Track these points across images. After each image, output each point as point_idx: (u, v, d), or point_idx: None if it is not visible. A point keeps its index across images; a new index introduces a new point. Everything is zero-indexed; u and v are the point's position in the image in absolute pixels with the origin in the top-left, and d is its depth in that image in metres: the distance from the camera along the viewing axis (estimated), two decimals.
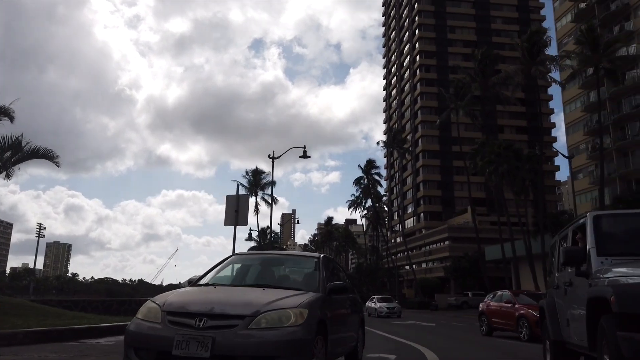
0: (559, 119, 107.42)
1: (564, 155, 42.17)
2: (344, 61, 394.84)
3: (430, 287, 63.48)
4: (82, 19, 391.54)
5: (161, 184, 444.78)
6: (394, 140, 66.21)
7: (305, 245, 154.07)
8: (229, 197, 13.00)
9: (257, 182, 64.15)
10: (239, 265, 6.20)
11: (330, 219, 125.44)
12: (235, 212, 12.65)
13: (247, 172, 64.73)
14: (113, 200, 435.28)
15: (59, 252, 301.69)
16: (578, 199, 56.67)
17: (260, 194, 64.43)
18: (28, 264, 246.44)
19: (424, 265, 75.03)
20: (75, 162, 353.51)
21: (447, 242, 68.38)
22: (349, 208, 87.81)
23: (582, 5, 56.04)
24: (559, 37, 62.49)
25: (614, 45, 32.61)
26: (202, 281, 5.59)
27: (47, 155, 14.27)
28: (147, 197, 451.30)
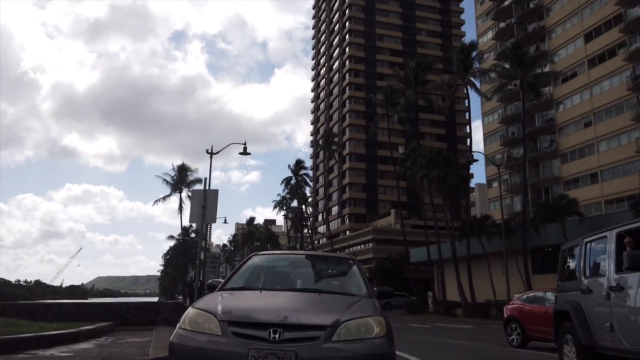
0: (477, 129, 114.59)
1: (476, 153, 44.89)
2: (269, 61, 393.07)
3: None
4: None
5: (65, 177, 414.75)
6: (326, 142, 66.63)
7: (224, 245, 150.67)
8: (194, 192, 12.09)
9: (182, 178, 61.44)
10: (264, 267, 5.55)
11: (252, 219, 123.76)
12: (202, 209, 11.75)
13: (173, 167, 61.74)
14: (8, 194, 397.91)
15: None
16: (492, 205, 60.86)
17: (185, 190, 61.72)
18: None
19: None
20: None
21: (370, 244, 70.07)
22: (275, 208, 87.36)
23: (503, 24, 60.25)
24: (482, 51, 66.65)
25: (539, 62, 35.27)
26: (231, 284, 4.92)
27: None
28: (48, 190, 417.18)
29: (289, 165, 69.35)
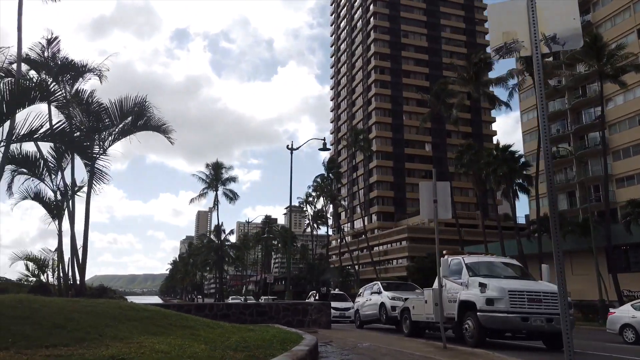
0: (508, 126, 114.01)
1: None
2: (273, 60, 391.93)
3: None
4: None
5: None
6: (356, 139, 65.66)
7: (233, 244, 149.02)
8: (423, 185, 11.12)
9: (217, 176, 60.36)
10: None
11: (268, 217, 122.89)
12: (434, 202, 10.82)
13: (207, 165, 60.62)
14: (5, 193, 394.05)
15: None
16: (534, 203, 60.24)
17: (221, 188, 60.71)
18: None
19: (369, 266, 75.43)
20: None
21: (404, 243, 69.29)
22: (300, 205, 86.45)
23: None
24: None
25: (617, 55, 34.36)
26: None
27: (160, 128, 11.28)
28: (45, 189, 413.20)
29: (323, 162, 68.47)
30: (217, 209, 59.92)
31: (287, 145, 29.15)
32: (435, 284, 11.57)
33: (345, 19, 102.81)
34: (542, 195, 51.29)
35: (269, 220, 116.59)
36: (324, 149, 29.67)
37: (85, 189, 10.72)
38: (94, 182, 9.88)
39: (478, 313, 9.18)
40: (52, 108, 10.16)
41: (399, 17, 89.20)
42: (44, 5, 11.01)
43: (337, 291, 31.81)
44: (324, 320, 16.52)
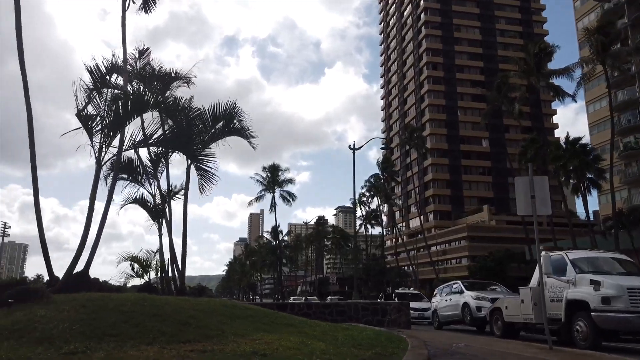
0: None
1: None
2: (321, 61, 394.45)
3: None
4: (46, 9, 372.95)
5: (124, 182, 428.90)
6: (411, 137, 64.62)
7: (287, 244, 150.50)
8: (519, 180, 10.76)
9: (274, 178, 61.26)
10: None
11: (321, 217, 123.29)
12: (532, 198, 10.42)
13: (264, 168, 61.66)
14: (72, 200, 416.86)
15: (14, 252, 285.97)
16: (604, 198, 57.09)
17: (277, 190, 61.58)
18: None
19: (426, 266, 73.96)
20: None
21: (464, 242, 67.53)
22: (354, 206, 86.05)
23: (609, 4, 56.33)
24: (580, 37, 62.72)
25: None
26: None
27: (245, 133, 11.54)
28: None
29: (377, 162, 67.92)
30: (275, 211, 60.84)
31: (349, 145, 29.32)
32: (532, 282, 11.15)
33: (394, 17, 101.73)
34: (619, 188, 48.58)
35: (321, 221, 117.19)
36: (386, 147, 29.54)
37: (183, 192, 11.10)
38: (204, 183, 10.25)
39: (592, 313, 8.71)
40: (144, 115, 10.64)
41: (450, 11, 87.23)
42: (138, 15, 11.51)
43: (412, 290, 31.40)
44: (403, 320, 16.35)
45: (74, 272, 8.49)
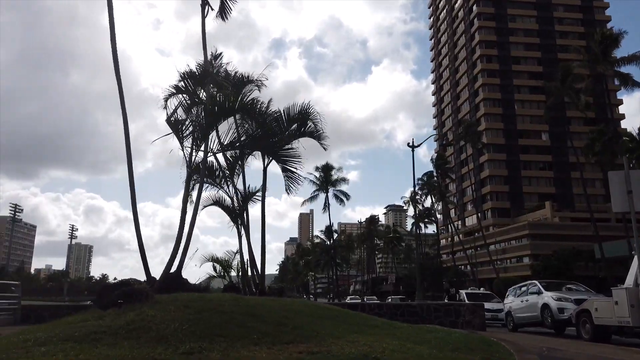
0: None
1: None
2: (367, 59, 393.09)
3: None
4: (104, 21, 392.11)
5: (181, 185, 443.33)
6: (467, 133, 62.86)
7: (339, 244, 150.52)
8: (613, 175, 10.16)
9: (327, 178, 61.42)
10: None
11: (373, 217, 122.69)
12: (629, 193, 9.80)
13: (317, 168, 61.93)
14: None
15: (81, 253, 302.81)
16: None
17: (331, 190, 61.70)
18: (51, 265, 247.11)
19: (485, 265, 71.68)
20: (96, 164, 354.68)
21: (525, 240, 65.01)
22: (405, 204, 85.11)
23: None
24: None
25: None
26: None
27: (315, 135, 11.58)
28: (166, 198, 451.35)
29: (431, 159, 66.72)
30: (328, 211, 60.93)
31: (408, 143, 28.87)
32: (627, 282, 10.49)
33: (444, 10, 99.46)
34: None
35: (373, 220, 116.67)
36: (448, 144, 28.94)
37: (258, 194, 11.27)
38: (290, 184, 10.38)
39: None
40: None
41: (504, 1, 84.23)
42: (215, 22, 11.83)
43: (482, 290, 30.54)
44: (478, 322, 15.87)
45: (169, 273, 8.82)
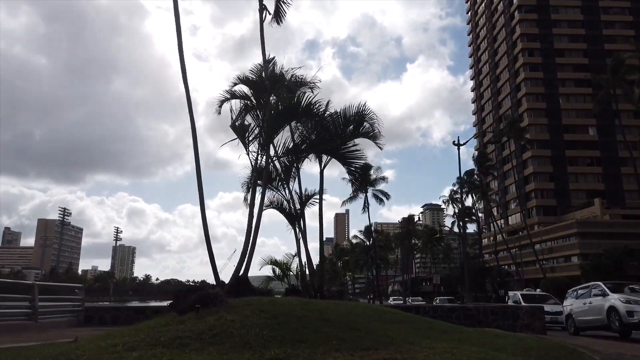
0: None
1: None
2: (402, 56, 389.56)
3: (560, 287, 58.19)
4: (144, 30, 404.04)
5: (218, 187, 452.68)
6: (511, 128, 61.07)
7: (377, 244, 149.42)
8: None
9: (367, 178, 60.91)
10: None
11: (411, 216, 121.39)
12: None
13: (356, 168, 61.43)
14: (172, 205, 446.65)
15: (124, 254, 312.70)
16: None
17: (370, 190, 61.25)
18: (97, 267, 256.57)
19: (530, 265, 69.41)
20: (138, 168, 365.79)
21: (573, 239, 62.67)
22: (445, 204, 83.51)
23: None
24: None
25: None
26: None
27: (371, 135, 11.45)
28: (204, 200, 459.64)
29: (473, 156, 65.28)
30: (368, 211, 60.45)
31: (454, 142, 28.26)
32: None
33: (482, 4, 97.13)
34: None
35: (410, 220, 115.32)
36: (496, 141, 28.12)
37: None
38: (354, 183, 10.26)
39: None
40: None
41: None
42: (271, 28, 11.91)
43: (539, 292, 29.57)
44: (538, 325, 15.35)
45: (238, 276, 8.94)
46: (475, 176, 68.37)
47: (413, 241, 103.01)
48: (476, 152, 71.43)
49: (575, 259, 61.55)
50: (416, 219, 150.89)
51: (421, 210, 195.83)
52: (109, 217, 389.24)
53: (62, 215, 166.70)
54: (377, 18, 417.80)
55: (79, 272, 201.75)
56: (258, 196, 10.09)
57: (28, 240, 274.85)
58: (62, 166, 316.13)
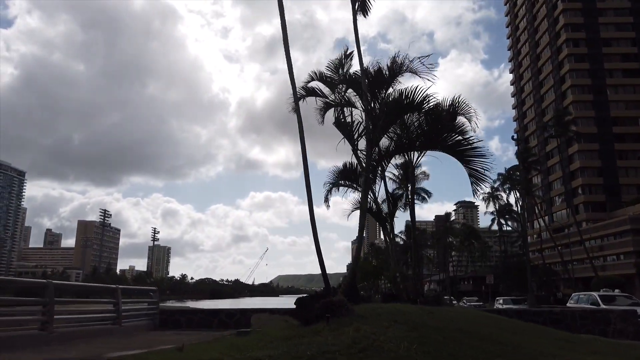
0: None
1: None
2: (434, 52, 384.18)
3: (614, 286, 55.67)
4: (176, 34, 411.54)
5: (249, 187, 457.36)
6: (558, 122, 58.73)
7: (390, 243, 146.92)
8: None
9: (407, 175, 59.65)
10: None
11: (448, 214, 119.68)
12: None
13: (396, 166, 60.29)
14: (204, 205, 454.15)
15: (160, 254, 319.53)
16: None
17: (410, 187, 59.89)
18: (134, 266, 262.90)
19: (579, 264, 66.70)
20: (171, 170, 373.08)
21: (625, 236, 59.90)
22: (484, 201, 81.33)
23: None
24: None
25: None
26: None
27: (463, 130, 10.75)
28: (236, 200, 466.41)
29: (515, 153, 63.10)
30: (410, 209, 59.13)
31: (512, 136, 26.99)
32: None
33: None
34: None
35: (447, 217, 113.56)
36: (550, 136, 26.79)
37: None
38: (476, 186, 9.71)
39: None
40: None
41: None
42: (361, 20, 11.35)
43: (618, 292, 27.99)
44: (631, 330, 14.34)
45: (349, 282, 8.49)
46: (518, 172, 66.20)
47: (449, 239, 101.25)
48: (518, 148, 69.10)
49: (627, 256, 58.88)
50: (452, 216, 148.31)
51: (454, 207, 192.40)
52: (144, 218, 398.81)
53: (102, 217, 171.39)
54: (407, 14, 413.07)
55: (117, 271, 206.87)
56: (354, 196, 9.62)
57: (68, 241, 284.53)
58: (100, 169, 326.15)
